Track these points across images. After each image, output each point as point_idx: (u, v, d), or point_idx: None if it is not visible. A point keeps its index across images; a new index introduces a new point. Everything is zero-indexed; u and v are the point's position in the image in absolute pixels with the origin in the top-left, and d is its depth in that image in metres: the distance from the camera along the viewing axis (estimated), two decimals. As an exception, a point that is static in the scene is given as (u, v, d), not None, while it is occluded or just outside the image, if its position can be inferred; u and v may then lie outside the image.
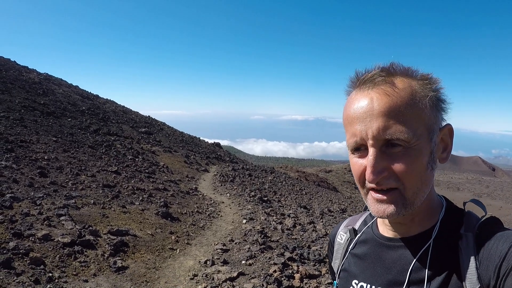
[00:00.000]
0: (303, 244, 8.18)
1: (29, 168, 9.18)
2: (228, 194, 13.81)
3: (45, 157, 10.56)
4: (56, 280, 4.78)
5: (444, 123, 1.11)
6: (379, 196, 1.03)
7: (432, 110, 1.05)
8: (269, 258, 6.68)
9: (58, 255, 5.34)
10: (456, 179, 76.85)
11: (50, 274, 4.83)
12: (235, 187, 15.56)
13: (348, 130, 1.06)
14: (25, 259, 4.92)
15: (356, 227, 1.38)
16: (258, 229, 8.63)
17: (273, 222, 9.87)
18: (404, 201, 1.02)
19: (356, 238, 1.34)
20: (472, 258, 0.99)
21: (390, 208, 1.02)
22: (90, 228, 6.54)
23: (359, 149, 1.06)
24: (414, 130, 0.99)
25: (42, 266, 4.94)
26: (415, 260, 1.09)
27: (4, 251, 4.91)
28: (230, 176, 18.59)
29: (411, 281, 1.08)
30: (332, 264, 1.44)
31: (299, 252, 7.29)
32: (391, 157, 1.00)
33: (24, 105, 16.06)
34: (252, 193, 14.70)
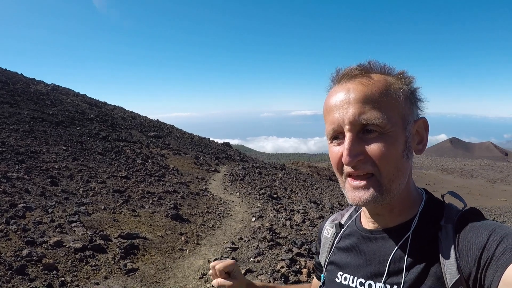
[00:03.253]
0: (312, 239, 8.26)
1: (40, 178, 9.39)
2: (238, 193, 13.92)
3: (56, 166, 10.77)
4: (69, 284, 4.94)
5: (419, 117, 1.16)
6: (356, 183, 1.07)
7: (406, 101, 1.10)
8: (277, 254, 6.78)
9: (70, 260, 5.51)
10: (469, 166, 76.09)
11: (63, 279, 5.00)
12: (245, 186, 15.67)
13: (327, 119, 1.12)
14: (38, 265, 5.09)
15: (342, 221, 1.42)
16: (267, 226, 8.71)
17: (282, 219, 9.94)
18: (380, 188, 1.05)
19: (341, 232, 1.39)
20: (452, 249, 1.02)
21: (367, 195, 1.05)
22: (101, 233, 6.70)
23: (337, 137, 1.11)
24: (389, 117, 1.05)
25: (54, 271, 5.10)
26: (394, 251, 1.12)
27: (18, 259, 5.10)
28: (240, 175, 18.69)
29: (390, 271, 1.11)
30: (319, 257, 1.47)
31: (307, 247, 7.38)
32: (367, 142, 1.05)
33: (33, 116, 16.37)
34: (262, 191, 14.79)
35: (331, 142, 1.14)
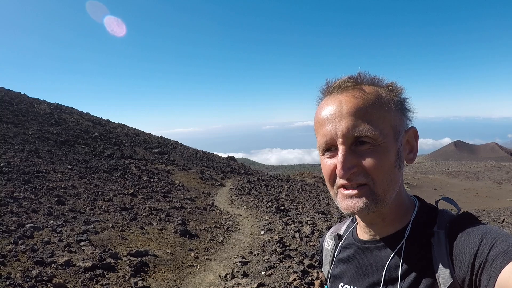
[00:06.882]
0: (322, 250, 8.17)
1: (47, 197, 9.37)
2: (245, 207, 13.84)
3: (62, 185, 10.75)
4: (80, 305, 4.88)
5: (409, 126, 1.18)
6: (348, 192, 1.08)
7: (397, 113, 1.12)
8: (288, 267, 6.70)
9: (80, 280, 5.44)
10: (474, 168, 75.74)
11: (74, 299, 4.94)
12: (251, 199, 15.59)
13: (319, 132, 1.13)
14: (48, 286, 5.03)
15: (341, 232, 1.45)
16: (276, 239, 8.64)
17: (291, 231, 9.87)
18: (374, 196, 1.06)
19: (340, 244, 1.41)
20: (444, 255, 1.03)
21: (360, 203, 1.06)
22: (110, 251, 6.64)
23: (330, 149, 1.12)
24: (381, 129, 1.06)
25: (65, 292, 5.05)
26: (389, 260, 1.14)
27: (28, 279, 5.04)
28: (246, 188, 18.62)
29: (386, 280, 1.13)
30: (323, 269, 1.51)
31: (318, 258, 7.30)
32: (360, 154, 1.06)
33: (38, 136, 16.40)
34: (269, 204, 14.71)
35: (323, 155, 1.15)
